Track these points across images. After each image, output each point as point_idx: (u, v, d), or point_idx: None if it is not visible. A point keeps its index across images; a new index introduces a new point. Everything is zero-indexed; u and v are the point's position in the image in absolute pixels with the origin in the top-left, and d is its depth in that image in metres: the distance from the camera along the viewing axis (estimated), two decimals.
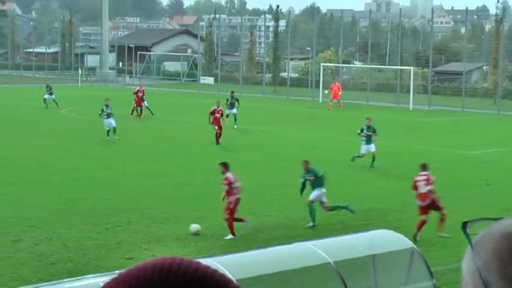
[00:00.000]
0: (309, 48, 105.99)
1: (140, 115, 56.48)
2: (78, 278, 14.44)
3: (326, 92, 71.64)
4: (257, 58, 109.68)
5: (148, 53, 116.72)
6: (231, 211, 23.35)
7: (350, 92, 76.65)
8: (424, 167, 24.19)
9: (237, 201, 23.58)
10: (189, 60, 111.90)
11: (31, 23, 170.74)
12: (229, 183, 23.51)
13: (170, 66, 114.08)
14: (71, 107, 62.66)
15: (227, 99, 52.29)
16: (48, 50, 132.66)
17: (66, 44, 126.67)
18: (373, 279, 15.71)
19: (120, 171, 34.53)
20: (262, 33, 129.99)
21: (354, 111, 65.80)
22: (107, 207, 26.93)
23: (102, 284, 1.50)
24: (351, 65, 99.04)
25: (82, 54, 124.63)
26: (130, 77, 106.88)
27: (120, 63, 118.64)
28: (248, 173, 33.21)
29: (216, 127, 43.83)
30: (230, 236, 23.12)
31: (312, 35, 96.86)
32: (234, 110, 52.05)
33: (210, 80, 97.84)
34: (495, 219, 1.74)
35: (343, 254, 15.28)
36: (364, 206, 27.84)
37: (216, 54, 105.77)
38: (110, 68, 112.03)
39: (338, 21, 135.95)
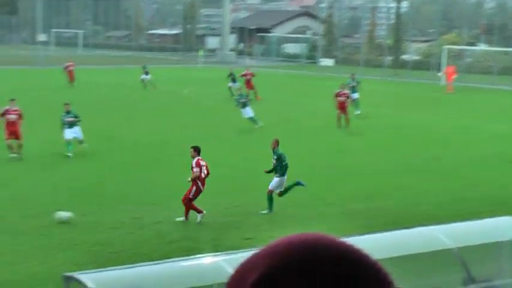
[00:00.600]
0: (431, 30, 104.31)
1: (257, 97, 56.15)
2: (197, 256, 14.51)
3: (439, 74, 70.49)
4: (378, 40, 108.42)
5: (268, 35, 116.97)
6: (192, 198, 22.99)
7: (474, 75, 75.09)
8: None
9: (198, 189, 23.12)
10: (309, 42, 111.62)
11: (154, 5, 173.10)
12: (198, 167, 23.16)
13: (290, 48, 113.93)
14: (191, 88, 63.17)
15: (348, 83, 50.57)
16: (170, 32, 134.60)
17: (188, 26, 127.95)
18: (497, 267, 15.30)
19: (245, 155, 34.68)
20: (384, 15, 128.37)
21: (478, 94, 64.60)
22: (227, 187, 27.05)
23: (235, 262, 1.41)
24: (476, 48, 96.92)
25: (203, 36, 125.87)
26: (251, 58, 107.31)
27: (242, 45, 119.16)
28: (378, 156, 33.13)
29: (339, 110, 43.25)
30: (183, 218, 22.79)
31: (434, 17, 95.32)
32: (356, 95, 49.88)
33: (329, 62, 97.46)
34: None
35: (466, 240, 14.90)
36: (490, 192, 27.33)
37: (336, 36, 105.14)
38: (230, 50, 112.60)
39: (462, 2, 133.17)
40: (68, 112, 33.08)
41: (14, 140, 31.83)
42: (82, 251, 19.40)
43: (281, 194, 24.74)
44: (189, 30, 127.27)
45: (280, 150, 24.93)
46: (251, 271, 1.41)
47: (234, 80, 57.76)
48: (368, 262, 1.48)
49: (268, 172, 24.84)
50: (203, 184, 23.10)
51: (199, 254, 15.64)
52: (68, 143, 32.33)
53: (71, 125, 32.66)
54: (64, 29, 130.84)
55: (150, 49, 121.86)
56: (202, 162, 23.21)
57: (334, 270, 1.40)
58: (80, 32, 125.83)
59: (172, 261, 13.72)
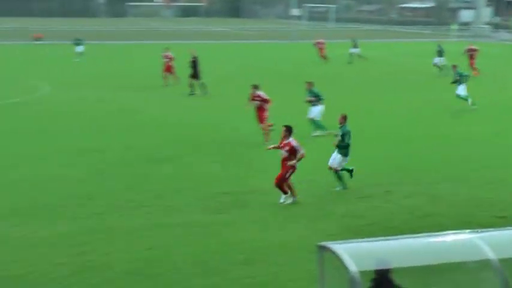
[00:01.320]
0: None
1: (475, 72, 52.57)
2: (449, 232, 14.18)
3: None
4: None
5: None
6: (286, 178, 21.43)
7: None
8: None
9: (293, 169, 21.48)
10: None
11: None
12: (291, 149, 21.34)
13: None
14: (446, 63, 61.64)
15: None
16: (422, 5, 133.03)
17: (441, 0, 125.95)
18: None
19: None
20: None
21: None
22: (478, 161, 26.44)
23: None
24: None
25: (456, 9, 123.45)
26: (508, 32, 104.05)
27: (498, 18, 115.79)
28: None
29: None
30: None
31: None
32: None
33: None
34: None
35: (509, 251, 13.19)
36: None
37: None
38: (486, 23, 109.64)
39: None
40: (310, 91, 32.26)
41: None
42: (332, 222, 19.55)
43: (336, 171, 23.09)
44: (441, 3, 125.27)
45: (349, 127, 23.11)
46: None
47: (440, 55, 56.13)
48: None
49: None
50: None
51: (450, 230, 15.30)
52: (312, 121, 31.90)
53: (314, 104, 32.03)
54: (317, 4, 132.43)
55: (402, 23, 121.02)
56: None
57: None
58: (332, 6, 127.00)
59: (424, 236, 13.48)
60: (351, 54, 65.08)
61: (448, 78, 42.22)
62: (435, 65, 55.46)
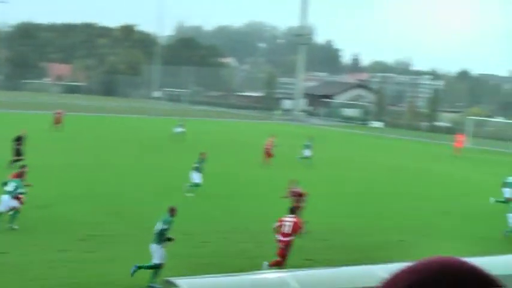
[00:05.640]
0: (459, 104, 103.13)
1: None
2: (268, 271, 14.34)
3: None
4: (417, 109, 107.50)
5: (331, 100, 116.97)
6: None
7: (495, 141, 73.82)
8: None
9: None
10: (363, 108, 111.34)
11: (242, 73, 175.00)
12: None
13: (347, 111, 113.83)
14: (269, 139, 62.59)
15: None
16: (254, 94, 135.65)
17: (268, 90, 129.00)
18: None
19: None
20: (423, 89, 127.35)
21: (495, 156, 63.53)
22: None
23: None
24: (494, 120, 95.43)
25: (280, 99, 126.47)
26: (316, 118, 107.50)
27: (311, 108, 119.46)
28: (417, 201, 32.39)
29: None
30: None
31: (463, 93, 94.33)
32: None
33: (379, 124, 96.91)
34: None
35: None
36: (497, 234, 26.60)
37: (384, 104, 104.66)
38: (301, 111, 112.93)
39: (485, 83, 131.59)
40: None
41: None
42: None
43: None
44: (269, 93, 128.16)
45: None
46: (395, 284, 1.43)
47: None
48: (494, 284, 1.45)
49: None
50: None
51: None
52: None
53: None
54: (173, 88, 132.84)
55: (239, 107, 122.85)
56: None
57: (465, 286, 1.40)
58: (186, 91, 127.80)
59: (249, 274, 13.62)
60: (176, 133, 57.38)
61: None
62: (304, 157, 46.52)
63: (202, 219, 25.36)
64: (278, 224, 19.46)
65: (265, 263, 19.07)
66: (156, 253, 17.44)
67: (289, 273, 13.02)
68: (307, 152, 46.80)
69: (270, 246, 21.70)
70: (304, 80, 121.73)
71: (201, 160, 32.25)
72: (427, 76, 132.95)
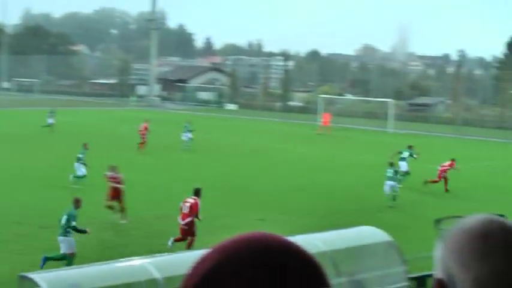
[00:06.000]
0: (310, 83, 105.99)
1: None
2: (131, 258, 14.34)
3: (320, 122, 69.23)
4: (270, 90, 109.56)
5: (186, 85, 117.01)
6: None
7: (343, 118, 76.54)
8: None
9: None
10: (217, 91, 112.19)
11: (95, 60, 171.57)
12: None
13: (202, 95, 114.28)
14: (127, 126, 61.83)
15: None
16: (108, 81, 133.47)
17: (122, 77, 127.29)
18: (358, 265, 15.66)
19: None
20: (275, 70, 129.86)
21: (345, 132, 65.84)
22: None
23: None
24: (344, 97, 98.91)
25: (134, 85, 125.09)
26: (172, 103, 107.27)
27: (165, 93, 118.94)
28: (267, 176, 33.10)
29: None
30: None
31: (313, 72, 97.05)
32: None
33: (233, 106, 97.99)
34: (461, 216, 1.76)
35: (335, 245, 15.22)
36: (351, 206, 27.87)
37: (238, 86, 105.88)
38: (156, 96, 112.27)
39: (334, 62, 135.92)
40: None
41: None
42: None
43: None
44: (123, 80, 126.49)
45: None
46: (203, 263, 1.42)
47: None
48: (303, 255, 1.45)
49: None
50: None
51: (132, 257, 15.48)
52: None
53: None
54: (24, 78, 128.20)
55: (93, 95, 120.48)
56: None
57: (272, 262, 1.39)
58: (36, 80, 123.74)
59: (110, 263, 13.61)
60: (49, 125, 55.70)
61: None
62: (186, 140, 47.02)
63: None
64: (181, 204, 20.98)
65: (171, 239, 20.49)
66: (63, 244, 18.22)
67: (148, 260, 13.16)
68: (188, 135, 47.17)
69: (128, 234, 21.68)
70: (158, 65, 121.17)
71: (84, 151, 31.96)
72: (278, 57, 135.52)
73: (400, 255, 15.80)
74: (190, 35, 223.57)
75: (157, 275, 11.93)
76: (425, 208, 28.54)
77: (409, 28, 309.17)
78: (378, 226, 17.69)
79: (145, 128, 45.80)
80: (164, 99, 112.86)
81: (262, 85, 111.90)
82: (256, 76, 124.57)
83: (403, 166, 35.56)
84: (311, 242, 14.46)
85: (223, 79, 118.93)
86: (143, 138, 44.99)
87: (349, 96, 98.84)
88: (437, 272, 1.67)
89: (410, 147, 37.23)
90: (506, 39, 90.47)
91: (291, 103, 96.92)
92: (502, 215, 1.74)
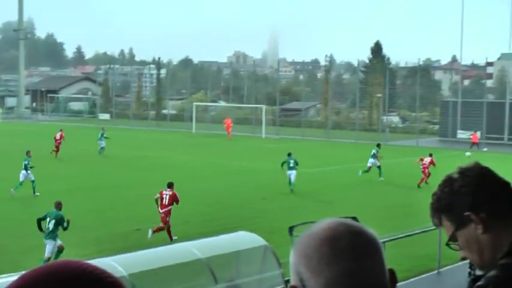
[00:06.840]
0: (184, 91, 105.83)
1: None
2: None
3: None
4: (144, 99, 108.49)
5: (57, 95, 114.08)
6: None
7: (217, 125, 76.90)
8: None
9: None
10: (90, 101, 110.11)
11: None
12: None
13: (74, 105, 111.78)
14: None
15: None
16: None
17: None
18: (235, 270, 15.73)
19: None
20: (148, 79, 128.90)
21: (218, 139, 66.16)
22: None
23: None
24: (217, 104, 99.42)
25: (3, 97, 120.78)
26: (42, 114, 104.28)
27: (34, 104, 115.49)
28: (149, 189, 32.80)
29: None
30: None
31: (186, 80, 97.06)
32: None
33: (106, 116, 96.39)
34: (313, 222, 1.79)
35: (213, 251, 15.22)
36: (230, 212, 28.01)
37: (111, 96, 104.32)
38: (26, 108, 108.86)
39: (207, 69, 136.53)
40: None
41: None
42: None
43: None
44: None
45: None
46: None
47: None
48: (93, 272, 1.47)
49: None
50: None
51: None
52: None
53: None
54: None
55: None
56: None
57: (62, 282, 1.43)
58: None
59: None
60: None
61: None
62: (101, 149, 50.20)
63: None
64: (159, 196, 24.02)
65: (150, 230, 22.95)
66: (49, 246, 19.17)
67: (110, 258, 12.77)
68: (102, 144, 50.31)
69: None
70: (27, 76, 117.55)
71: (28, 158, 33.34)
72: (151, 66, 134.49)
73: (276, 258, 15.99)
74: (60, 44, 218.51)
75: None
76: (302, 212, 29.02)
77: (279, 35, 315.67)
78: (253, 231, 17.88)
79: (61, 137, 48.16)
80: (34, 110, 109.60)
81: (135, 94, 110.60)
82: (129, 85, 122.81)
83: (372, 162, 39.77)
84: (188, 249, 14.42)
85: (96, 89, 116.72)
86: (57, 146, 47.42)
87: (222, 103, 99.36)
88: (291, 279, 1.69)
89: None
90: (370, 45, 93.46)
91: (165, 111, 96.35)
92: (354, 218, 1.77)
